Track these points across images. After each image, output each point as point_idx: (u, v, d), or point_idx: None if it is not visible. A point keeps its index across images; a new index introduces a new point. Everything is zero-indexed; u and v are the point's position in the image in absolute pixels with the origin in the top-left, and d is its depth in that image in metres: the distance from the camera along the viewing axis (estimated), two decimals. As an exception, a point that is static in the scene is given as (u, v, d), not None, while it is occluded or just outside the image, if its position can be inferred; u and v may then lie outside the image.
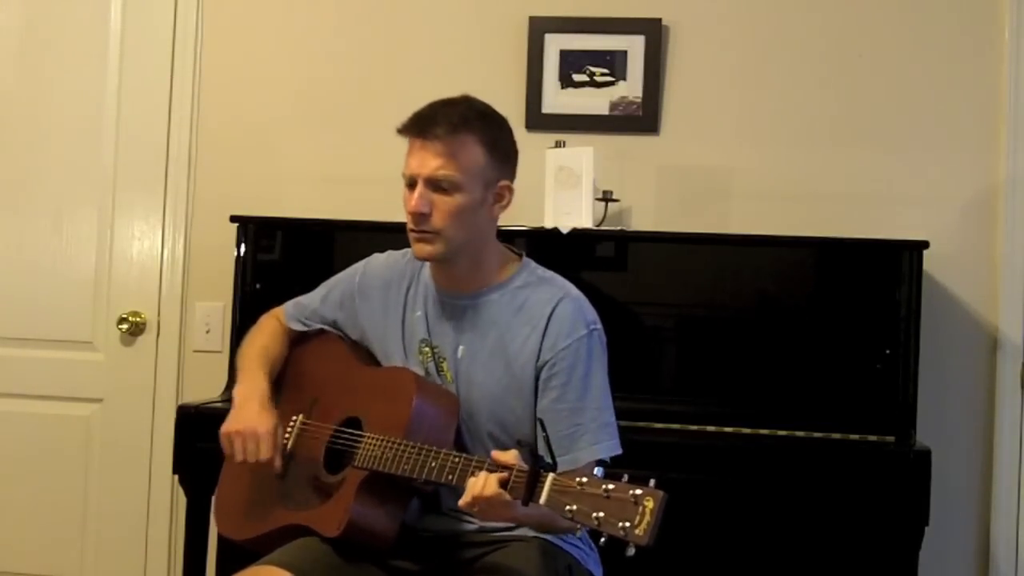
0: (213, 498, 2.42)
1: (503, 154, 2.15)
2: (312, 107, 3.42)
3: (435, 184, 2.08)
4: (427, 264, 2.23)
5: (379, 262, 2.35)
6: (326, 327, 2.37)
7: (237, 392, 2.26)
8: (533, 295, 2.15)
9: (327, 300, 2.37)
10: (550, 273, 2.23)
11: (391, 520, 2.09)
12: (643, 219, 3.22)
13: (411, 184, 2.12)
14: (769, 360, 2.92)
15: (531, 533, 2.14)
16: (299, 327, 2.39)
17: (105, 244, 3.49)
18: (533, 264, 2.23)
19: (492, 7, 3.34)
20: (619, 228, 3.11)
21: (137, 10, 3.50)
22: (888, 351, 2.85)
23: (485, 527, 2.14)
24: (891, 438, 2.73)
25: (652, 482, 1.67)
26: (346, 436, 2.14)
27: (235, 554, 2.28)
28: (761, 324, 2.97)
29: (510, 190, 2.17)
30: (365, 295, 2.31)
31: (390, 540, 2.09)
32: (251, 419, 2.17)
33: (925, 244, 2.85)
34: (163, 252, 3.47)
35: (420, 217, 2.09)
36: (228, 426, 2.18)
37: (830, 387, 2.88)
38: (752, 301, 2.99)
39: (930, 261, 2.93)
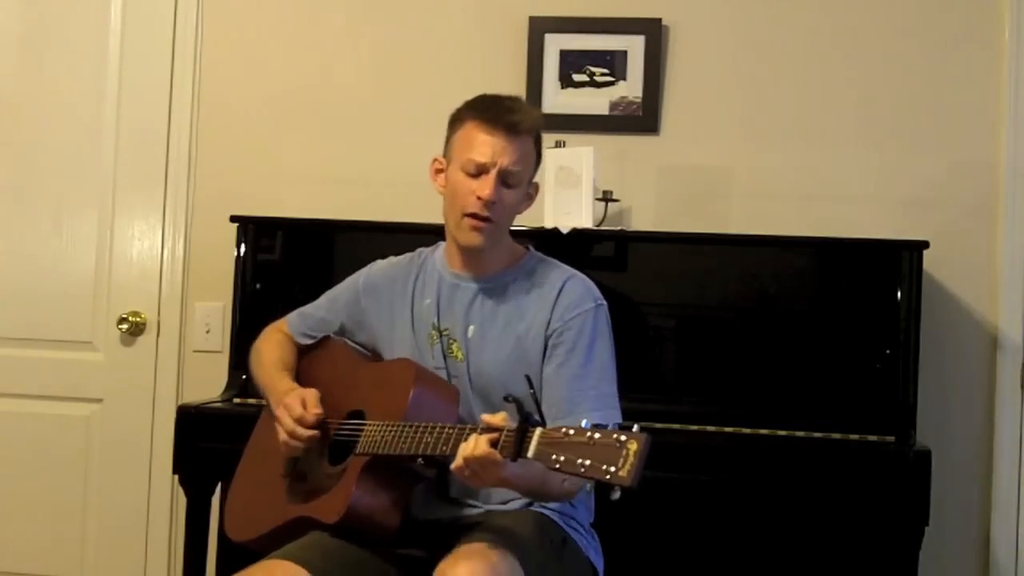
0: (224, 506, 2.45)
1: (540, 157, 2.29)
2: (312, 107, 3.42)
3: (505, 176, 2.17)
4: (436, 254, 2.32)
5: (381, 265, 2.41)
6: (331, 336, 2.41)
7: (276, 394, 2.29)
8: (543, 275, 2.26)
9: (332, 306, 2.42)
10: (555, 260, 2.33)
11: (393, 505, 2.10)
12: (643, 219, 3.22)
13: (477, 172, 2.17)
14: (769, 360, 2.92)
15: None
16: (306, 340, 2.43)
17: (105, 244, 3.49)
18: (539, 253, 2.33)
19: (492, 7, 3.34)
20: (619, 228, 3.11)
21: (137, 10, 3.50)
22: (888, 351, 2.85)
23: (489, 510, 2.17)
24: (891, 438, 2.73)
25: (636, 427, 1.70)
26: (349, 427, 2.17)
27: (235, 554, 2.29)
28: (761, 324, 2.96)
29: (537, 188, 2.31)
30: (371, 294, 2.36)
31: (393, 527, 2.10)
32: (292, 391, 2.22)
33: (925, 244, 2.84)
34: (163, 252, 3.47)
35: (492, 205, 2.17)
36: (276, 408, 2.22)
37: (830, 387, 2.88)
38: (752, 301, 2.99)
39: (930, 261, 2.93)
